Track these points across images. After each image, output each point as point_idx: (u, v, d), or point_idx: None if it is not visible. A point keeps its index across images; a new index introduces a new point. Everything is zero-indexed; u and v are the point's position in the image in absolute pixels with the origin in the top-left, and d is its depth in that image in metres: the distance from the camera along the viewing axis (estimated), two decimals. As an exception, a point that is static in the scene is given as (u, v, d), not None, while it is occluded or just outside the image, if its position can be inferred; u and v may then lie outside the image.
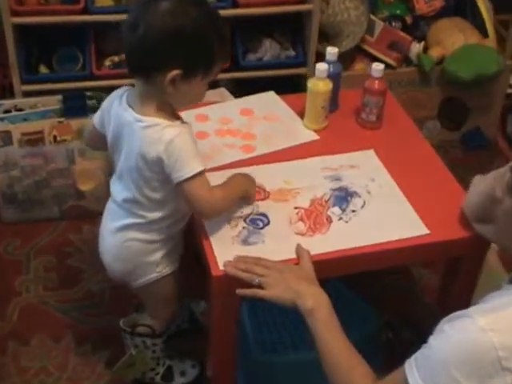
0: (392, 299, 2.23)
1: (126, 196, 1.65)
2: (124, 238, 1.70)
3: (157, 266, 1.73)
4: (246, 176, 1.72)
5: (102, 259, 1.80)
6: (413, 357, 1.26)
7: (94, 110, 2.46)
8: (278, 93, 2.17)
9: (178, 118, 1.60)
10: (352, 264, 1.65)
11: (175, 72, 1.48)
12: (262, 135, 1.97)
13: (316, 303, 1.46)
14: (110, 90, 2.52)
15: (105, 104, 1.69)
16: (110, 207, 1.74)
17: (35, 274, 2.32)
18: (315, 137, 1.98)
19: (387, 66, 2.73)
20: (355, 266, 1.66)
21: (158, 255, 1.72)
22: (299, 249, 1.60)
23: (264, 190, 1.77)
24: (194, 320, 2.14)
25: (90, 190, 2.46)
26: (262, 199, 1.75)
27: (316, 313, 1.44)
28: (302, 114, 2.04)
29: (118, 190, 1.68)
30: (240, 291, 1.53)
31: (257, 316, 1.96)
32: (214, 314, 1.64)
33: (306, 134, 1.99)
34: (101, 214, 2.38)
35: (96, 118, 1.72)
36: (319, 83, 1.93)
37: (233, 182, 1.67)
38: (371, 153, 1.92)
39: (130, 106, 1.58)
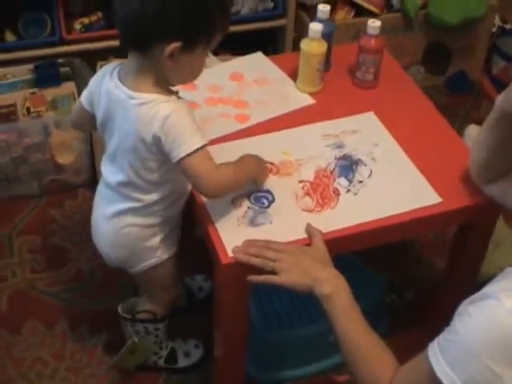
0: (392, 259, 2.17)
1: (120, 179, 1.54)
2: (121, 224, 1.59)
3: (155, 250, 1.64)
4: (258, 159, 1.61)
5: (96, 247, 1.70)
6: (435, 341, 1.17)
7: (67, 77, 2.35)
8: (259, 49, 2.07)
9: (174, 92, 1.49)
10: (365, 239, 1.57)
11: (174, 44, 1.36)
12: (254, 102, 1.86)
13: (334, 288, 1.38)
14: (82, 55, 2.41)
15: (93, 81, 1.56)
16: (103, 191, 1.63)
17: (20, 256, 2.20)
18: (311, 101, 1.87)
19: (369, 13, 2.63)
20: (368, 241, 1.58)
21: (157, 239, 1.63)
22: (310, 228, 1.52)
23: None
24: (192, 296, 2.06)
25: (70, 163, 2.33)
26: (263, 173, 1.66)
27: (334, 299, 1.37)
28: (293, 76, 1.92)
29: (112, 173, 1.57)
30: (252, 278, 1.45)
31: (258, 290, 1.89)
32: (224, 302, 1.57)
33: (301, 98, 1.88)
34: (81, 186, 2.28)
35: (84, 96, 1.59)
36: (313, 44, 1.82)
37: (243, 163, 1.56)
38: (371, 115, 1.83)
39: (121, 82, 1.46)
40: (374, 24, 1.83)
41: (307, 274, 1.41)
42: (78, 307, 2.07)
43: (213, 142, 1.69)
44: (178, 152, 1.42)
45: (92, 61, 2.39)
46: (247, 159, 1.58)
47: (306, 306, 1.88)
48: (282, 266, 1.43)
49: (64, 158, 2.31)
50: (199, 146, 1.43)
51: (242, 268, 1.45)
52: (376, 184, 1.65)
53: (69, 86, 2.33)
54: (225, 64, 2.03)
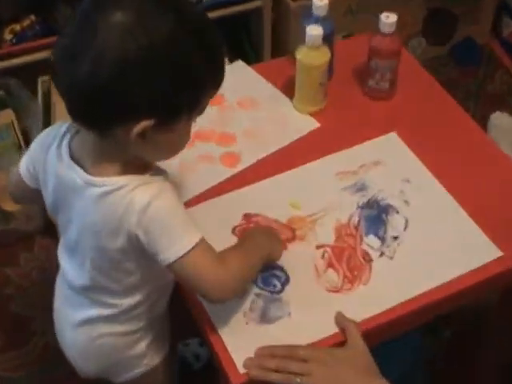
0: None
1: (84, 282, 1.14)
2: (93, 333, 1.19)
3: (142, 358, 1.25)
4: (267, 232, 1.22)
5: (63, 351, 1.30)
6: None
7: (3, 103, 1.92)
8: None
9: (150, 166, 1.08)
10: (412, 320, 1.20)
11: (144, 123, 0.95)
12: (243, 134, 1.45)
13: None
14: (18, 72, 1.98)
15: (35, 149, 1.13)
16: (64, 291, 1.23)
17: (-30, 333, 1.80)
18: (314, 124, 1.47)
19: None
20: (415, 320, 1.22)
21: (143, 345, 1.23)
22: (342, 320, 1.14)
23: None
24: (187, 367, 1.69)
25: (18, 209, 1.92)
26: (270, 241, 1.26)
27: None
28: (288, 92, 1.51)
29: (73, 269, 1.17)
30: None
31: None
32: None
33: (302, 122, 1.47)
34: (36, 234, 1.87)
35: (23, 167, 1.16)
36: (313, 54, 1.41)
37: (251, 243, 1.16)
38: (394, 137, 1.43)
39: (75, 160, 1.05)
40: (388, 20, 1.41)
41: None
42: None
43: (195, 199, 1.31)
44: (168, 256, 1.03)
45: (30, 78, 1.98)
46: (254, 235, 1.19)
47: None
48: (313, 382, 1.06)
49: (10, 205, 1.89)
50: (196, 242, 1.03)
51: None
52: (415, 239, 1.26)
53: (6, 115, 1.90)
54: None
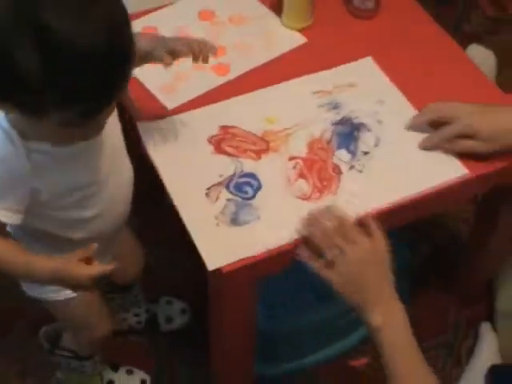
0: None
1: None
2: None
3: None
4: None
5: None
6: None
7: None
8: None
9: None
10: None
11: None
12: (233, 46, 1.49)
13: (386, 320, 1.08)
14: None
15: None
16: None
17: None
18: (301, 39, 1.51)
19: None
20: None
21: None
22: (368, 220, 1.14)
23: (245, 138, 1.33)
24: (154, 325, 1.72)
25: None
26: (244, 151, 1.30)
27: (384, 332, 1.08)
28: (276, 10, 1.55)
29: None
30: (302, 252, 1.12)
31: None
32: (223, 313, 1.26)
33: (289, 37, 1.52)
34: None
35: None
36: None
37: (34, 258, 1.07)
38: (369, 61, 1.47)
39: None
40: None
41: (360, 291, 1.10)
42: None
43: (188, 103, 1.37)
44: None
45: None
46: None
47: (311, 286, 1.59)
48: (343, 266, 1.10)
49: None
50: None
51: (236, 274, 1.15)
52: (384, 155, 1.31)
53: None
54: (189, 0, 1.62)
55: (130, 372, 1.60)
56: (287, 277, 1.59)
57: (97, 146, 1.07)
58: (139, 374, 1.61)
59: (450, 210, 1.97)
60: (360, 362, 1.69)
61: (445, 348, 1.74)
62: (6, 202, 0.99)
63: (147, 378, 1.61)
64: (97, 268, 1.03)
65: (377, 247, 1.12)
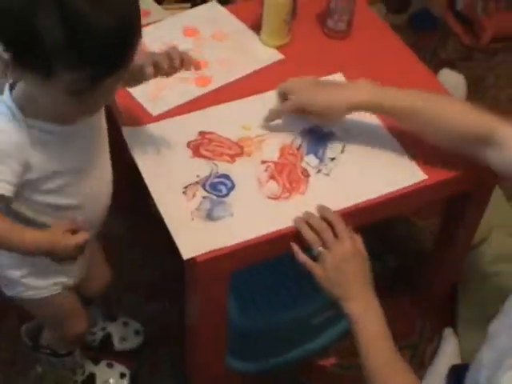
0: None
1: None
2: None
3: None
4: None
5: None
6: None
7: None
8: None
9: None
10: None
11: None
12: (215, 61, 1.61)
13: (363, 313, 1.22)
14: None
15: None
16: None
17: None
18: (278, 56, 1.63)
19: None
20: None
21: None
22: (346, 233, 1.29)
23: (221, 143, 1.43)
24: (109, 344, 1.76)
25: None
26: (220, 155, 1.41)
27: (361, 323, 1.21)
28: (255, 28, 1.68)
29: None
30: (296, 250, 1.28)
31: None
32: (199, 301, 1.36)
33: (267, 53, 1.64)
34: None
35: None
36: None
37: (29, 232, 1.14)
38: (340, 77, 1.59)
39: None
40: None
41: (342, 285, 1.24)
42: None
43: (167, 113, 1.47)
44: None
45: None
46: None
47: (285, 286, 1.72)
48: (328, 261, 1.25)
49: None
50: None
51: (211, 264, 1.25)
52: (349, 161, 1.42)
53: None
54: (174, 18, 1.74)
55: (110, 365, 1.69)
56: (263, 276, 1.71)
57: (92, 132, 1.18)
58: (119, 368, 1.69)
59: (419, 223, 2.07)
60: (329, 361, 1.77)
61: (410, 349, 1.84)
62: (1, 173, 1.06)
63: (127, 371, 1.69)
64: (82, 236, 1.14)
65: (358, 247, 1.27)
